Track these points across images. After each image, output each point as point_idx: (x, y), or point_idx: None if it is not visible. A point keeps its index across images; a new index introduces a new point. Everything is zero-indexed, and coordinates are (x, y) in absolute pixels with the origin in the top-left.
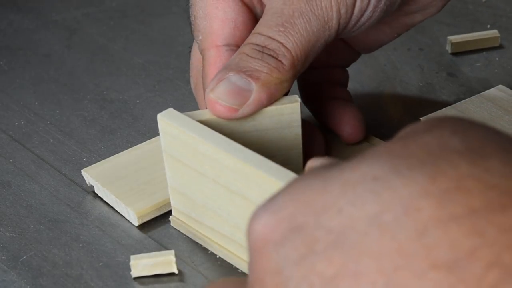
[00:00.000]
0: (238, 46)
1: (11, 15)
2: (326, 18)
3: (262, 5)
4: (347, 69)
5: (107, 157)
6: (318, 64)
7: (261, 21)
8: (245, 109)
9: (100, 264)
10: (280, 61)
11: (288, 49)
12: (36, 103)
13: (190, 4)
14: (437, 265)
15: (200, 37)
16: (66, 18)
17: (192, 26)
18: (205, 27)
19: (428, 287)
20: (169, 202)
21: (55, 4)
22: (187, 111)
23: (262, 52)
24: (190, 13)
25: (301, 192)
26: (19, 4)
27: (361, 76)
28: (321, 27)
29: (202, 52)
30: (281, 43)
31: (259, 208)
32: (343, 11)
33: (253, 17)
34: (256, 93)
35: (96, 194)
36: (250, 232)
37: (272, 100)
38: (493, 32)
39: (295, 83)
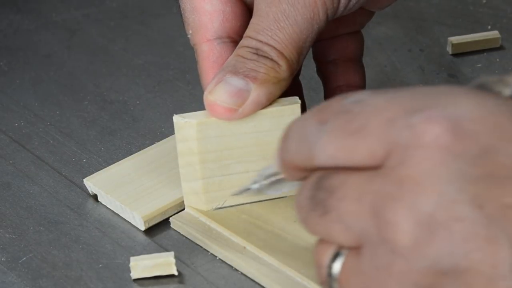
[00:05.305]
0: (230, 38)
1: (11, 16)
2: (312, 14)
3: None
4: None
5: (107, 158)
6: (330, 35)
7: (250, 23)
8: (244, 109)
9: (100, 265)
10: (275, 61)
11: (280, 52)
12: (36, 104)
13: None
14: None
15: (190, 31)
16: (66, 18)
17: (183, 20)
18: (194, 21)
19: None
20: (174, 206)
21: (56, 5)
22: (188, 112)
23: (257, 54)
24: (180, 6)
25: (490, 113)
26: (19, 4)
27: None
28: (308, 24)
29: (194, 46)
30: (272, 46)
31: (438, 111)
32: (328, 2)
33: (242, 5)
34: (254, 92)
35: (96, 195)
36: (426, 130)
37: (270, 99)
38: (494, 33)
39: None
